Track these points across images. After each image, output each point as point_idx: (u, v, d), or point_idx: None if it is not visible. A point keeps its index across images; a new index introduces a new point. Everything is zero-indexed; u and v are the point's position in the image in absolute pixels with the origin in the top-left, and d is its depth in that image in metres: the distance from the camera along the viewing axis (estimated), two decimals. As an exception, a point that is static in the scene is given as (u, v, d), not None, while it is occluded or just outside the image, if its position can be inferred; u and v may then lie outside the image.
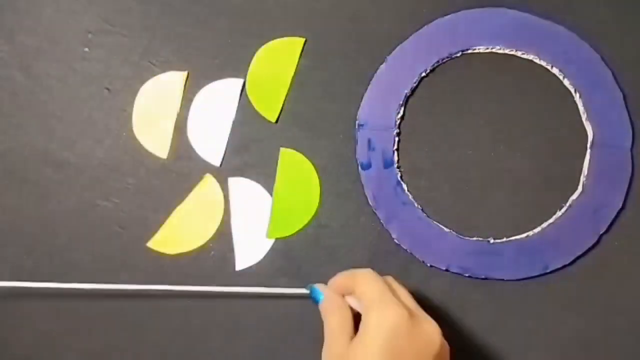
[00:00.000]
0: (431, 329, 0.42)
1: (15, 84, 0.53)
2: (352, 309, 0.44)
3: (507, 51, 0.53)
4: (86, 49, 0.53)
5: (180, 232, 0.52)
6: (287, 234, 0.52)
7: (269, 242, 0.52)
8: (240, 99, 0.52)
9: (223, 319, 0.51)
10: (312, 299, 0.46)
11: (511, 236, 0.52)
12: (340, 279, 0.45)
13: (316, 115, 0.53)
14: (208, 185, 0.52)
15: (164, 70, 0.52)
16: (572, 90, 0.53)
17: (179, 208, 0.52)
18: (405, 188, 0.52)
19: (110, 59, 0.53)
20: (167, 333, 0.51)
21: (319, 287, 0.46)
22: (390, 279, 0.46)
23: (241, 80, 0.52)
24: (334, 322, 0.43)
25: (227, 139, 0.52)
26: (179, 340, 0.51)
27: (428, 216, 0.52)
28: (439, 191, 0.52)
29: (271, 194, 0.52)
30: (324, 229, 0.52)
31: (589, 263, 0.52)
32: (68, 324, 0.51)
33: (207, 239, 0.51)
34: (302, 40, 0.53)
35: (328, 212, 0.52)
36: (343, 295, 0.45)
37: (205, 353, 0.51)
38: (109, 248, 0.51)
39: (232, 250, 0.51)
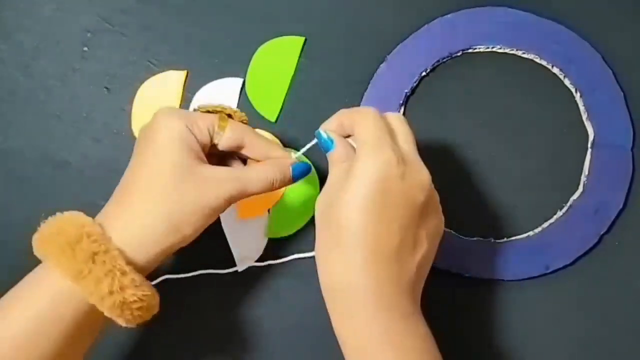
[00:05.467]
0: (422, 177, 0.41)
1: (14, 83, 0.53)
2: None
3: (507, 51, 0.53)
4: (85, 48, 0.53)
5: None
6: (287, 234, 0.51)
7: (268, 242, 0.52)
8: (239, 99, 0.52)
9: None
10: (321, 146, 0.43)
11: (512, 236, 0.52)
12: (341, 118, 0.43)
13: (316, 115, 0.52)
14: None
15: (163, 70, 0.53)
16: (573, 90, 0.52)
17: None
18: (405, 188, 0.52)
19: (109, 58, 0.53)
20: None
21: (328, 133, 0.43)
22: (395, 118, 0.43)
23: (240, 80, 0.52)
24: (337, 170, 0.42)
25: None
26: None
27: (428, 216, 0.51)
28: (439, 191, 0.52)
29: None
30: (324, 228, 0.51)
31: (590, 263, 0.51)
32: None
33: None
34: (302, 39, 0.53)
35: (328, 212, 0.51)
36: (347, 137, 0.43)
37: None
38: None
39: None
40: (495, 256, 0.51)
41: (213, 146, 0.44)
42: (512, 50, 0.53)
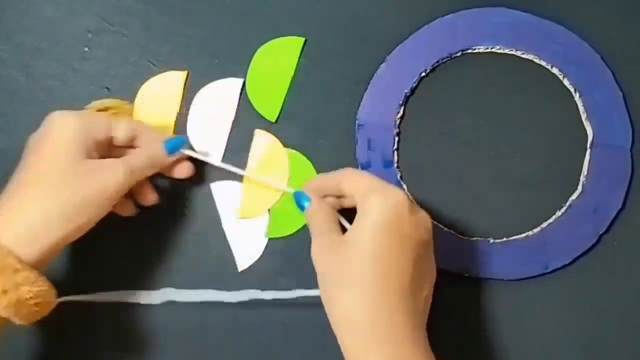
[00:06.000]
0: (425, 217, 0.43)
1: (14, 83, 0.53)
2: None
3: (507, 51, 0.53)
4: (86, 49, 0.53)
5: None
6: (287, 234, 0.52)
7: (268, 242, 0.52)
8: (240, 99, 0.52)
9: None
10: (297, 205, 0.46)
11: (511, 236, 0.52)
12: (321, 182, 0.46)
13: (316, 115, 0.53)
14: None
15: (163, 70, 0.52)
16: (572, 90, 0.53)
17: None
18: (406, 188, 0.52)
19: (110, 59, 0.53)
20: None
21: (304, 193, 0.45)
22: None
23: (241, 80, 0.52)
24: (321, 220, 0.44)
25: (227, 138, 0.52)
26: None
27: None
28: (439, 191, 0.52)
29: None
30: (324, 228, 0.51)
31: (589, 263, 0.52)
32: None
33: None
34: (302, 39, 0.53)
35: (328, 212, 0.52)
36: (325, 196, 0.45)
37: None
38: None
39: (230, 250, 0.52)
40: (495, 256, 0.51)
41: (111, 147, 0.46)
42: (512, 50, 0.53)
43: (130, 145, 0.47)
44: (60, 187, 0.41)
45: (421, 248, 0.41)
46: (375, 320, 0.39)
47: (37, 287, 0.39)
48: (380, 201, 0.40)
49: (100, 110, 0.47)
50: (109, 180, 0.43)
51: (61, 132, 0.43)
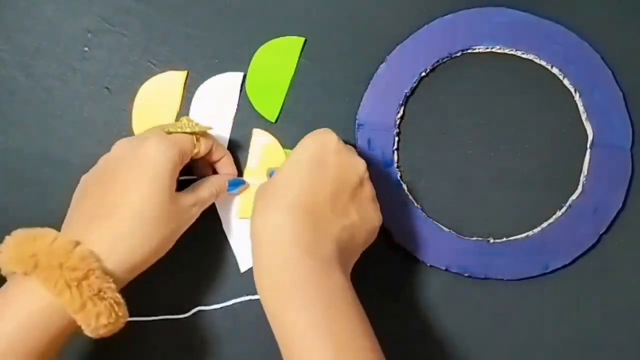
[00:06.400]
0: (358, 161, 0.45)
1: (15, 83, 0.53)
2: None
3: (507, 51, 0.53)
4: (86, 49, 0.53)
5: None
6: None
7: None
8: (239, 99, 0.52)
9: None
10: None
11: (511, 236, 0.52)
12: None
13: (316, 115, 0.53)
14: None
15: (163, 70, 0.52)
16: (572, 90, 0.53)
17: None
18: (405, 188, 0.52)
19: (110, 59, 0.53)
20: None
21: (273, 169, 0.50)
22: None
23: (241, 74, 0.52)
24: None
25: (227, 138, 0.52)
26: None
27: (428, 216, 0.52)
28: (439, 191, 0.52)
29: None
30: (324, 228, 0.51)
31: (589, 263, 0.52)
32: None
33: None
34: (302, 39, 0.53)
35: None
36: None
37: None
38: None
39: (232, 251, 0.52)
40: (495, 256, 0.51)
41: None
42: (512, 50, 0.53)
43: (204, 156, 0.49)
44: (159, 224, 0.43)
45: (345, 185, 0.43)
46: (279, 226, 0.41)
47: (127, 317, 0.42)
48: (308, 140, 0.44)
49: (184, 132, 0.47)
50: (188, 219, 0.46)
51: (164, 163, 0.44)
